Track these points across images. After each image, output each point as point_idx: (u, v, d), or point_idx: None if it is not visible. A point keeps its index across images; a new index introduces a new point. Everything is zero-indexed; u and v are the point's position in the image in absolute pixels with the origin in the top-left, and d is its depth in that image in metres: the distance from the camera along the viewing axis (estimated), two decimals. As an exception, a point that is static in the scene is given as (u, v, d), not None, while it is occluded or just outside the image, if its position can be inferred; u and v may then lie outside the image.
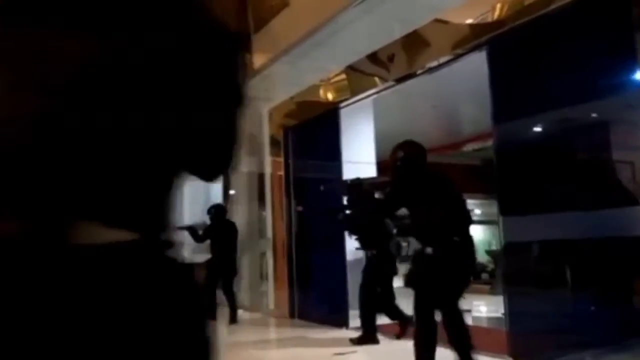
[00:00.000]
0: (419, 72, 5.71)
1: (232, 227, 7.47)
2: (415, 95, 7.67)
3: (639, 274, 3.45)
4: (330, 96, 7.06)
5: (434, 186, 3.50)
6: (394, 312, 5.22)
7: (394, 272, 5.33)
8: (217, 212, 7.55)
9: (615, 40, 3.60)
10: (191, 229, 7.93)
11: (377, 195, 5.49)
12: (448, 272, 3.33)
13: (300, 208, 7.39)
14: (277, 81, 7.93)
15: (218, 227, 7.42)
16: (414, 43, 5.72)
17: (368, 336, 5.07)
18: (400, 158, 3.58)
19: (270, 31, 7.65)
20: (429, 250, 3.37)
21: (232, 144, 0.85)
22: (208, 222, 7.55)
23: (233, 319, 7.16)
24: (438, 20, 5.47)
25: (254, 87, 8.17)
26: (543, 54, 4.13)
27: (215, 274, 7.11)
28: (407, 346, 5.10)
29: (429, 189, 3.47)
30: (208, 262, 7.35)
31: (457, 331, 3.39)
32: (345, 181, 6.01)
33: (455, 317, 3.42)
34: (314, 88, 7.30)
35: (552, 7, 3.84)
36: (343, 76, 6.94)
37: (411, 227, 3.75)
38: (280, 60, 7.51)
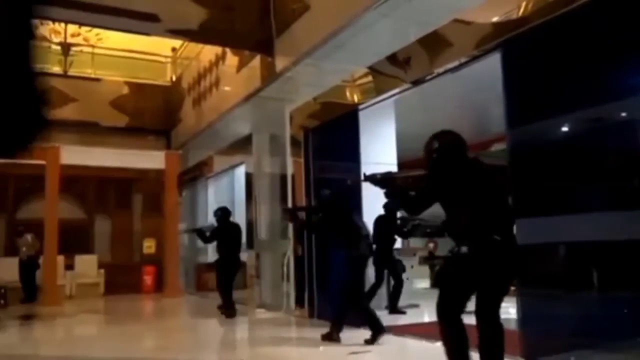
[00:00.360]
0: (440, 72, 5.67)
1: (236, 229, 8.01)
2: (438, 95, 7.67)
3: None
4: (353, 97, 7.10)
5: (474, 179, 3.20)
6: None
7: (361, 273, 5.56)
8: (223, 215, 8.13)
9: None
10: (199, 231, 8.33)
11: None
12: (484, 273, 3.05)
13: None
14: (299, 83, 8.00)
15: (223, 228, 7.97)
16: (434, 43, 5.71)
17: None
18: (437, 149, 3.27)
19: (291, 35, 7.75)
20: (463, 249, 3.11)
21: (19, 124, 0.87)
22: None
23: (231, 314, 7.70)
24: (458, 20, 5.47)
25: (277, 89, 8.32)
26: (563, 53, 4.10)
27: (223, 272, 7.79)
28: (420, 345, 5.15)
29: (469, 182, 3.18)
30: (216, 262, 8.00)
31: (491, 343, 3.04)
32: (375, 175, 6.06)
33: (492, 327, 3.05)
34: (337, 89, 7.34)
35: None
36: (366, 78, 6.99)
37: (445, 225, 3.34)
38: (301, 62, 7.59)
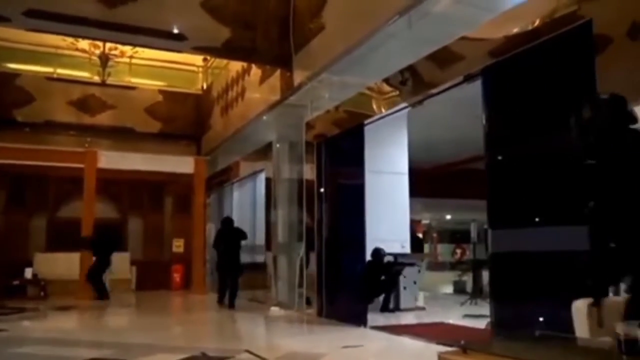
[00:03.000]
0: (450, 85, 6.02)
1: (238, 234, 9.70)
2: (452, 105, 8.07)
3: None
4: (380, 108, 7.55)
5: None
6: None
7: None
8: (225, 222, 10.10)
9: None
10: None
11: None
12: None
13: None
14: (315, 96, 8.55)
15: (227, 234, 9.75)
16: (445, 57, 6.08)
17: None
18: (590, 118, 2.69)
19: (308, 51, 8.33)
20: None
21: None
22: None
23: (232, 305, 9.25)
24: (463, 38, 5.90)
25: (295, 101, 8.91)
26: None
27: (224, 271, 9.54)
28: (411, 344, 5.61)
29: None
30: (217, 263, 9.84)
31: None
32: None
33: None
34: (362, 99, 7.75)
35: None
36: (394, 91, 7.42)
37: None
38: (318, 77, 8.14)
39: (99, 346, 5.70)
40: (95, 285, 11.13)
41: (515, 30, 5.70)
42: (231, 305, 9.18)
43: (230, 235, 9.65)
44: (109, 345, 5.75)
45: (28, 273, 11.77)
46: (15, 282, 11.60)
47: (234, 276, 9.42)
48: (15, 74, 13.03)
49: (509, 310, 4.69)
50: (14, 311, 9.35)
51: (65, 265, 12.04)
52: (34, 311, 9.50)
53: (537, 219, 4.38)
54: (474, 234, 10.75)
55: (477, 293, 9.57)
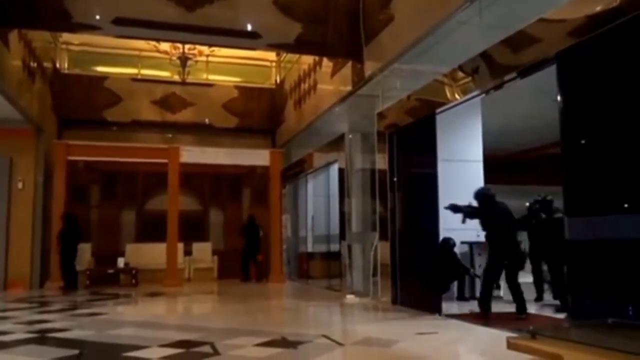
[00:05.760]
0: (525, 69, 5.83)
1: (257, 227, 13.50)
2: (530, 90, 7.87)
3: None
4: (453, 95, 7.47)
5: None
6: None
7: None
8: (249, 218, 13.68)
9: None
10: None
11: None
12: None
13: None
14: (386, 86, 8.60)
15: (250, 227, 13.47)
16: (520, 41, 5.91)
17: None
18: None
19: (378, 43, 8.39)
20: None
21: None
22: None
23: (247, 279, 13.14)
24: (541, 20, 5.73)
25: (366, 92, 9.00)
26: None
27: (247, 256, 13.42)
28: (483, 332, 5.61)
29: None
30: (242, 249, 13.51)
31: None
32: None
33: None
34: (435, 87, 7.69)
35: None
36: (466, 78, 7.33)
37: None
38: (388, 68, 8.19)
39: (187, 329, 6.12)
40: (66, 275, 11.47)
41: (598, 8, 5.47)
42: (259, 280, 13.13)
43: (252, 229, 13.39)
44: (195, 328, 6.16)
45: (120, 262, 12.67)
46: (110, 271, 12.54)
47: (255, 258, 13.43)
48: (104, 77, 13.99)
49: (588, 300, 4.59)
50: (109, 297, 10.16)
51: (153, 254, 12.86)
52: (126, 297, 10.26)
53: (622, 206, 4.23)
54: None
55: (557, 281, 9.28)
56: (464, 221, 6.91)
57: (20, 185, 11.67)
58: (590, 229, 4.63)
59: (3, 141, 11.58)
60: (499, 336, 4.96)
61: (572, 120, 4.86)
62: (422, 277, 7.10)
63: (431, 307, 6.84)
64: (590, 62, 4.66)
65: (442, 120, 7.32)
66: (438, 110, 7.11)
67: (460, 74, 7.02)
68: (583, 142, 4.84)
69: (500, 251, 6.73)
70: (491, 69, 6.42)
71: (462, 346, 5.18)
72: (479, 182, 8.93)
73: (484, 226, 6.91)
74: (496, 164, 9.73)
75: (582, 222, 4.72)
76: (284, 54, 14.22)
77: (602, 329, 2.84)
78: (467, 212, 6.84)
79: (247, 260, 13.39)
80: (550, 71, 5.38)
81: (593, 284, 4.57)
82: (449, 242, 7.50)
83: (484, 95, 7.12)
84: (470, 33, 6.66)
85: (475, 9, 6.23)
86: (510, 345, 2.65)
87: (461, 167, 8.70)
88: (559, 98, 4.90)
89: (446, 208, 6.88)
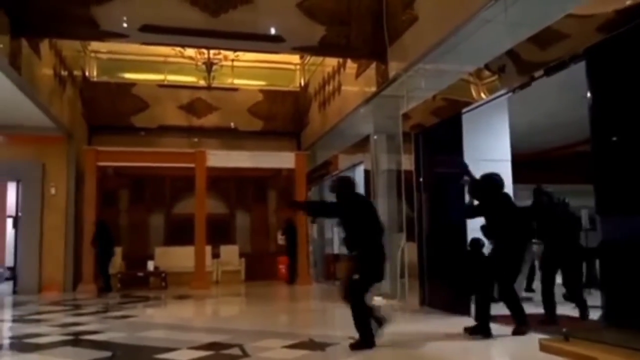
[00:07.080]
0: (552, 66, 5.71)
1: (295, 230, 13.35)
2: (556, 87, 7.74)
3: None
4: (479, 94, 7.39)
5: None
6: None
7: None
8: (287, 222, 13.58)
9: None
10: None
11: None
12: None
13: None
14: (411, 86, 8.55)
15: (288, 229, 13.47)
16: (548, 38, 5.80)
17: None
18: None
19: (402, 43, 8.36)
20: None
21: None
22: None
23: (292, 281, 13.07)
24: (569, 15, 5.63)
25: (391, 93, 8.96)
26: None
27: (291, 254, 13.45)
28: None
29: None
30: (287, 251, 13.64)
31: None
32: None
33: None
34: (461, 86, 7.61)
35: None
36: (492, 76, 7.25)
37: None
38: (413, 68, 8.14)
39: (215, 332, 6.18)
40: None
41: (628, 2, 5.34)
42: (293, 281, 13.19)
43: (292, 232, 13.41)
44: (223, 331, 6.22)
45: (150, 265, 12.87)
46: (140, 274, 12.74)
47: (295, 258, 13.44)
48: (132, 84, 14.24)
49: (624, 300, 4.48)
50: (140, 299, 10.32)
51: (181, 257, 13.01)
52: (156, 300, 10.41)
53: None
54: (585, 222, 10.19)
55: (590, 282, 9.09)
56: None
57: (53, 190, 11.96)
58: (625, 228, 4.53)
59: (35, 147, 11.88)
60: (528, 338, 4.90)
61: (603, 117, 4.76)
62: (451, 278, 7.03)
63: (460, 308, 6.77)
64: (621, 57, 4.56)
65: (468, 120, 7.26)
66: (464, 110, 7.04)
67: (486, 73, 6.93)
68: (615, 139, 4.74)
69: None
70: (518, 66, 6.34)
71: (493, 348, 5.11)
72: (507, 182, 8.80)
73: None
74: (523, 163, 9.56)
75: (615, 220, 4.63)
76: (308, 57, 14.26)
77: (636, 331, 2.78)
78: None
79: (293, 263, 13.48)
80: (576, 67, 5.30)
81: (627, 284, 4.47)
82: (478, 243, 7.41)
83: (510, 94, 7.04)
84: (496, 31, 6.58)
85: (500, 6, 6.16)
86: (543, 348, 2.61)
87: (489, 167, 8.57)
88: (588, 95, 4.80)
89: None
